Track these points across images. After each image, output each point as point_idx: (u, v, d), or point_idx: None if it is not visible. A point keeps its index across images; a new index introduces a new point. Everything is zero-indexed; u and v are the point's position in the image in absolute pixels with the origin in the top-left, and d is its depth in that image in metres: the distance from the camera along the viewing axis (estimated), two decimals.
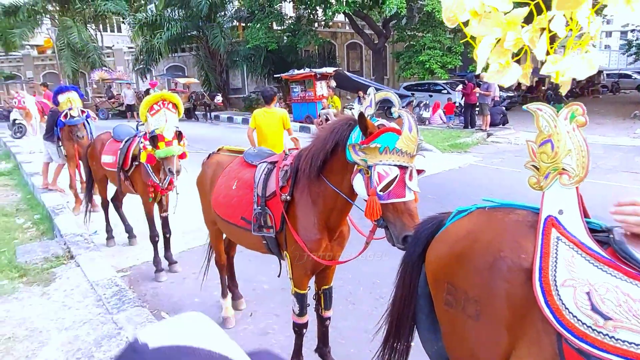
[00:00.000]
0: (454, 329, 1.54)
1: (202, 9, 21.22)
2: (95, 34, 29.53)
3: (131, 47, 29.47)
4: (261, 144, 5.45)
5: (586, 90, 30.67)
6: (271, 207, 2.55)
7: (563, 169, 1.29)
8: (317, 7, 21.71)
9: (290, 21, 23.21)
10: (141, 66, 24.22)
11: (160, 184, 4.28)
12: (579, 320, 1.14)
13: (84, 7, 27.31)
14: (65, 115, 6.21)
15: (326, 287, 2.76)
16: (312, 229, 2.39)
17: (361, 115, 1.91)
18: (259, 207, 2.58)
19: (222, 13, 24.63)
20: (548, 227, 1.29)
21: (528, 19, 1.25)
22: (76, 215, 6.27)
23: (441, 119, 16.59)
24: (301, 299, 2.59)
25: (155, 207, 4.55)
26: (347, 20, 23.73)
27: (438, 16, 16.75)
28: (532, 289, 1.25)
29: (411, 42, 19.45)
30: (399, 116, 1.96)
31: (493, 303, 1.36)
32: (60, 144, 6.86)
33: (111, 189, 5.41)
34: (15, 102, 11.64)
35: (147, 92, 23.80)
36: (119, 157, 4.42)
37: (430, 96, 18.32)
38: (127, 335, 2.70)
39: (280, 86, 25.00)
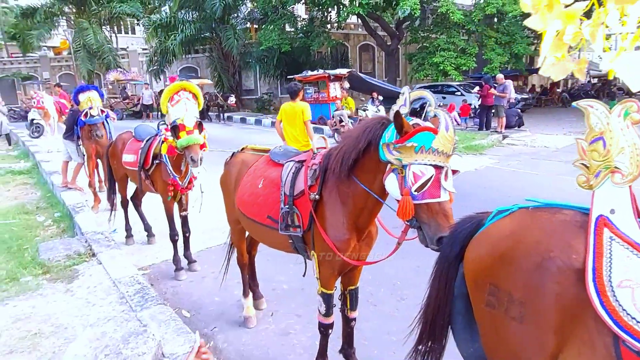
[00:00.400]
0: (496, 330, 1.51)
1: (216, 11, 21.35)
2: (110, 36, 29.91)
3: (145, 49, 29.77)
4: (287, 135, 6.20)
5: (602, 92, 30.28)
6: (299, 206, 2.53)
7: (615, 167, 1.26)
8: (331, 9, 21.73)
9: (302, 23, 23.26)
10: (155, 67, 24.44)
11: (180, 183, 4.29)
12: (638, 322, 1.11)
13: (100, 9, 27.68)
14: (86, 115, 6.28)
15: (352, 287, 2.74)
16: (341, 229, 2.37)
17: (397, 113, 1.89)
18: (287, 206, 2.57)
19: (235, 15, 24.76)
20: (600, 227, 1.26)
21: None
22: (95, 213, 6.33)
23: (456, 121, 16.48)
24: (328, 299, 2.57)
25: (175, 206, 4.57)
26: (359, 22, 23.72)
27: (452, 17, 16.68)
28: (585, 289, 1.22)
29: (424, 44, 19.35)
30: (435, 115, 1.93)
31: (540, 304, 1.33)
32: (80, 143, 6.93)
33: (130, 188, 5.46)
34: (34, 102, 11.80)
35: (160, 92, 24.08)
36: (140, 156, 4.44)
37: (444, 98, 18.21)
38: (153, 333, 2.71)
39: None
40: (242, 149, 3.36)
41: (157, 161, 4.33)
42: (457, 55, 17.70)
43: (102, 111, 6.43)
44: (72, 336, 3.01)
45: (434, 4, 18.61)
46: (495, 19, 18.51)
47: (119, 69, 25.65)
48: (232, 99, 20.49)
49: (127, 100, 23.67)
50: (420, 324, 1.96)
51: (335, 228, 2.38)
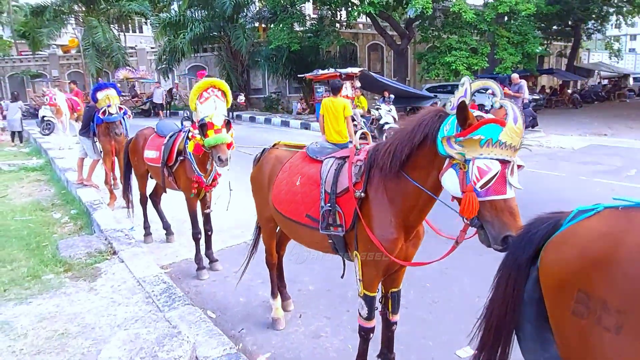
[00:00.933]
0: (584, 342, 1.39)
1: (227, 10, 21.29)
2: (118, 35, 29.91)
3: (153, 47, 29.79)
4: (327, 129, 6.60)
5: (612, 94, 30.01)
6: (342, 205, 2.42)
7: None
8: (341, 8, 21.62)
9: (312, 22, 23.15)
10: (163, 65, 24.41)
11: (205, 180, 4.20)
12: None
13: (109, 7, 27.69)
14: (104, 112, 6.20)
15: (395, 289, 2.62)
16: (388, 228, 2.25)
17: (463, 105, 1.78)
18: (328, 205, 2.45)
19: (244, 14, 24.69)
20: None
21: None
22: (112, 210, 6.24)
23: None
24: (370, 302, 2.46)
25: (197, 205, 4.47)
26: (368, 21, 23.59)
27: (465, 16, 16.51)
28: None
29: (435, 43, 19.20)
30: (501, 106, 1.82)
31: None
32: (96, 140, 6.86)
33: (149, 186, 5.37)
34: (46, 99, 11.76)
35: (169, 91, 24.07)
36: (164, 152, 4.35)
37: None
38: (188, 335, 2.61)
39: (301, 86, 25.04)
40: (274, 145, 3.25)
41: (181, 158, 4.24)
42: (469, 55, 17.52)
43: (120, 109, 6.36)
44: (100, 337, 2.92)
45: (444, 4, 18.48)
46: (507, 18, 18.31)
47: (127, 67, 25.63)
48: (241, 98, 20.43)
49: (135, 99, 23.66)
50: (482, 331, 1.84)
51: (382, 227, 2.26)
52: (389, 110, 12.62)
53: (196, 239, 4.42)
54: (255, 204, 3.31)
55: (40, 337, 2.91)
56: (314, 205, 2.58)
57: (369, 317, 2.49)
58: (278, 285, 3.60)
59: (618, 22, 32.60)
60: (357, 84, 15.73)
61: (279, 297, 3.54)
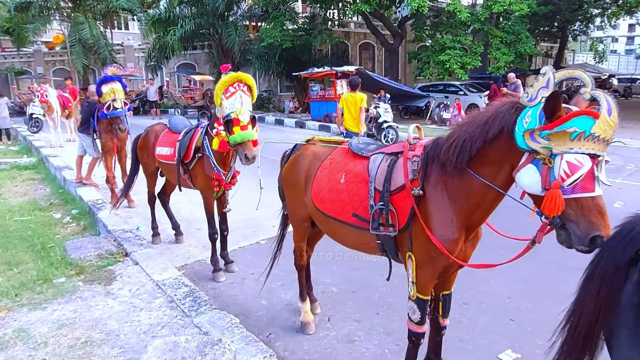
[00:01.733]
0: None
1: (219, 7, 20.98)
2: (105, 31, 29.28)
3: (141, 45, 29.28)
4: (347, 122, 7.53)
5: None
6: (395, 203, 2.29)
7: None
8: (334, 6, 21.50)
9: (303, 20, 22.99)
10: (152, 63, 23.95)
11: (225, 178, 4.02)
12: None
13: (96, 3, 27.08)
14: (108, 107, 5.94)
15: (447, 292, 2.50)
16: (449, 227, 2.13)
17: (554, 94, 1.65)
18: (380, 203, 2.32)
19: (235, 11, 24.39)
20: None
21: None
22: (116, 210, 6.00)
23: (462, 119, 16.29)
24: (423, 306, 2.33)
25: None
26: (360, 20, 23.54)
27: (459, 15, 16.54)
28: None
29: (429, 42, 19.22)
30: (594, 98, 1.70)
31: None
32: (96, 137, 6.61)
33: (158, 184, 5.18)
34: (37, 96, 11.39)
35: (159, 89, 23.61)
36: (179, 149, 4.15)
37: (446, 97, 18.08)
38: (228, 343, 2.44)
39: (293, 85, 24.82)
40: (308, 140, 3.10)
41: (199, 155, 4.05)
42: (462, 54, 17.56)
43: (125, 104, 6.11)
44: (127, 345, 2.74)
45: (438, 3, 18.51)
46: (500, 18, 18.41)
47: (115, 64, 25.06)
48: None
49: (125, 96, 23.12)
50: (566, 336, 1.72)
51: (443, 226, 2.14)
52: (387, 110, 12.53)
53: (213, 240, 4.24)
54: (288, 203, 3.15)
55: (62, 346, 2.72)
56: (361, 204, 2.44)
57: (422, 321, 2.36)
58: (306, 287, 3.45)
59: (602, 23, 33.20)
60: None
61: (307, 300, 3.39)
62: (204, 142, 4.04)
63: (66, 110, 11.85)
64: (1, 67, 27.91)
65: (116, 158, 6.67)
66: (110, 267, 3.92)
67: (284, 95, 25.97)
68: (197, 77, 21.65)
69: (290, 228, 3.45)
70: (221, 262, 4.40)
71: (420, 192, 2.18)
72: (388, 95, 13.86)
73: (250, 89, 3.64)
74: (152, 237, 5.12)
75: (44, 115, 13.13)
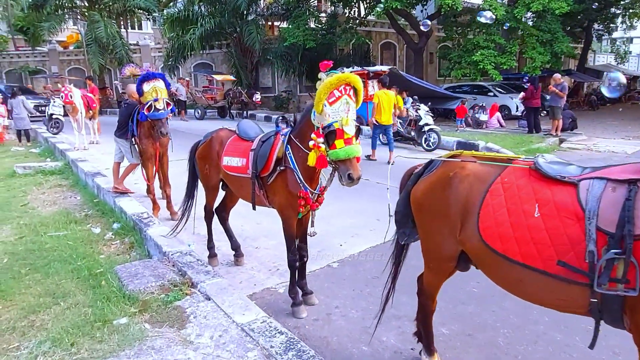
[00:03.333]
0: None
1: (241, 5, 20.39)
2: (120, 31, 28.81)
3: (159, 44, 28.80)
4: (379, 113, 9.28)
5: (623, 96, 29.52)
6: (637, 253, 1.60)
7: None
8: (360, 4, 20.84)
9: (326, 19, 22.34)
10: (169, 62, 23.43)
11: (312, 196, 3.35)
12: None
13: (112, 2, 26.60)
14: (149, 107, 5.28)
15: None
16: None
17: None
18: (614, 251, 1.63)
19: (255, 9, 23.80)
20: None
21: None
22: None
23: (499, 122, 15.58)
24: None
25: None
26: (381, 19, 22.81)
27: (495, 13, 15.76)
28: None
29: (461, 41, 18.48)
30: None
31: None
32: (134, 142, 5.97)
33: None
34: (61, 97, 10.80)
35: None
36: (257, 160, 3.48)
37: (475, 99, 17.32)
38: None
39: (313, 85, 24.04)
40: (453, 155, 2.42)
41: (281, 167, 3.38)
42: (497, 54, 16.78)
43: (168, 104, 5.43)
44: None
45: (467, 2, 17.77)
46: (537, 17, 17.61)
47: (132, 64, 24.56)
48: (257, 96, 19.50)
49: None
50: None
51: None
52: (427, 111, 11.82)
53: (293, 268, 3.57)
54: (424, 236, 2.46)
55: None
56: (573, 249, 1.76)
57: None
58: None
59: (624, 24, 32.38)
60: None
61: (436, 355, 2.70)
62: (287, 152, 3.37)
63: (90, 111, 11.26)
64: (16, 66, 27.52)
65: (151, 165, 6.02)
66: (178, 303, 3.25)
67: (303, 96, 25.31)
68: (219, 77, 21.05)
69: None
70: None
71: None
72: (416, 97, 13.05)
73: (356, 93, 2.97)
74: (208, 258, 4.47)
75: (64, 115, 12.60)
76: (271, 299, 3.90)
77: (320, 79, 2.98)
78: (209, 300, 3.27)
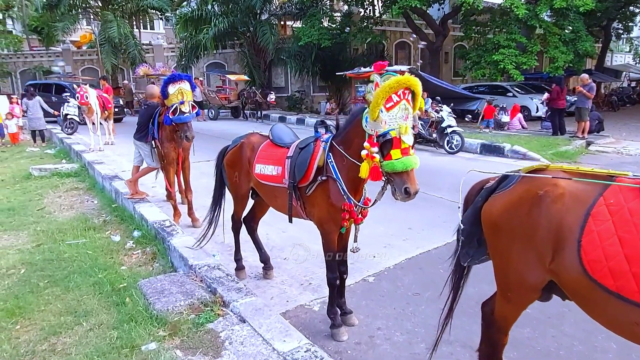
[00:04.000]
0: None
1: (255, 4, 20.17)
2: (132, 30, 28.76)
3: (171, 44, 28.72)
4: None
5: None
6: None
7: None
8: (375, 3, 20.49)
9: (339, 18, 22.04)
10: (183, 62, 23.29)
11: (356, 209, 3.05)
12: None
13: (126, 2, 26.55)
14: (174, 111, 5.02)
15: None
16: None
17: None
18: None
19: (269, 8, 23.58)
20: None
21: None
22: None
23: (520, 124, 15.15)
24: None
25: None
26: (396, 18, 22.46)
27: (517, 12, 15.33)
28: None
29: (480, 41, 18.06)
30: None
31: None
32: (154, 146, 5.71)
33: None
34: (77, 97, 10.62)
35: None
36: (294, 169, 3.19)
37: (494, 99, 16.90)
38: None
39: (327, 85, 23.82)
40: (537, 169, 2.09)
41: (322, 177, 3.09)
42: (518, 54, 16.32)
43: (193, 107, 5.17)
44: None
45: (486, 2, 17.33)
46: (559, 15, 17.11)
47: (145, 64, 24.46)
48: (272, 97, 19.26)
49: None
50: None
51: None
52: (450, 113, 11.47)
53: (333, 286, 3.27)
54: (501, 262, 2.14)
55: None
56: None
57: None
58: None
59: None
60: None
61: None
62: (329, 161, 3.07)
63: (106, 112, 11.08)
64: (30, 66, 27.59)
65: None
66: (210, 326, 2.97)
67: (316, 96, 25.04)
68: (233, 77, 20.82)
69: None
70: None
71: None
72: (438, 99, 12.67)
73: (415, 97, 2.66)
74: (235, 271, 4.19)
75: (79, 116, 12.45)
76: (306, 317, 3.61)
77: (372, 81, 2.67)
78: (244, 322, 2.99)
